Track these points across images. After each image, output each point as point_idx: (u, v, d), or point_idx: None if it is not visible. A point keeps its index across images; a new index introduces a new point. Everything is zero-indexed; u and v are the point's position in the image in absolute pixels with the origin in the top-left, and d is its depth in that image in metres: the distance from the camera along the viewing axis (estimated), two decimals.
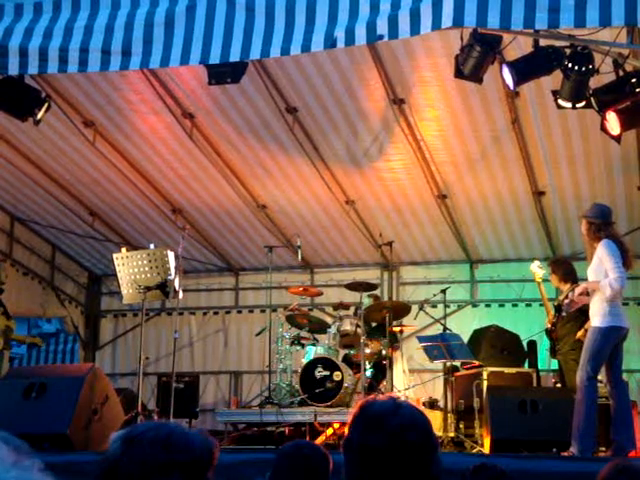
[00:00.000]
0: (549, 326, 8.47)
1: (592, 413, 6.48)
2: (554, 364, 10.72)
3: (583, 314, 7.30)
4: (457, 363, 9.83)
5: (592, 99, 6.39)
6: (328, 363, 9.13)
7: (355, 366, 9.57)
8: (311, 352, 9.65)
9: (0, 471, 1.56)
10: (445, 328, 10.19)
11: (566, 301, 7.18)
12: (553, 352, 8.51)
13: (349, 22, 5.48)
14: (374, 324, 10.42)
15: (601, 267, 6.54)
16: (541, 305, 10.85)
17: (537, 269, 8.36)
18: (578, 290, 6.85)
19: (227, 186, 10.26)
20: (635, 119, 6.59)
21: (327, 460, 3.66)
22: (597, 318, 6.55)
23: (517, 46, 6.52)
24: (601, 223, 6.68)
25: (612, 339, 6.54)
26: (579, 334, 7.85)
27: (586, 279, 6.84)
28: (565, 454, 6.53)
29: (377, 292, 10.99)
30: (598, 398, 6.72)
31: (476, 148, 9.20)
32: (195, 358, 12.49)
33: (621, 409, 6.65)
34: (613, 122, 6.46)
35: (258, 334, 10.83)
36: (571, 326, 8.12)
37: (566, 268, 8.41)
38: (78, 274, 12.69)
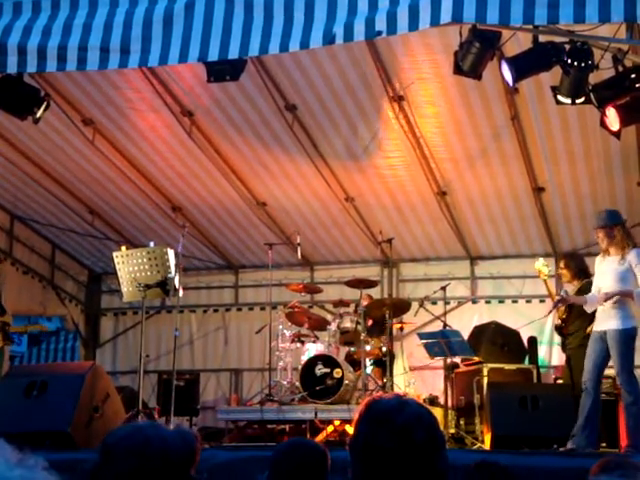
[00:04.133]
0: (559, 322, 8.44)
1: None
2: (554, 360, 10.78)
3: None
4: (457, 359, 9.83)
5: (591, 95, 6.38)
6: (328, 360, 9.13)
7: (356, 363, 9.58)
8: (311, 349, 9.65)
9: (5, 469, 1.56)
10: (445, 325, 10.19)
11: (557, 298, 7.36)
12: (564, 347, 8.55)
13: (348, 18, 5.47)
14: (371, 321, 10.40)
15: (628, 274, 6.70)
16: (541, 301, 10.89)
17: (542, 267, 8.21)
18: (602, 297, 6.83)
19: (226, 184, 10.25)
20: (635, 115, 6.59)
21: (325, 457, 3.63)
22: (629, 320, 6.73)
23: (516, 42, 6.50)
24: (624, 224, 6.88)
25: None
26: (589, 330, 7.82)
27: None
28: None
29: (375, 290, 10.97)
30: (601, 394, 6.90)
31: (476, 145, 9.19)
32: (195, 356, 12.50)
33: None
34: (613, 118, 6.46)
35: (258, 332, 10.84)
36: (581, 322, 8.06)
37: (581, 263, 8.35)
38: (78, 272, 12.69)
